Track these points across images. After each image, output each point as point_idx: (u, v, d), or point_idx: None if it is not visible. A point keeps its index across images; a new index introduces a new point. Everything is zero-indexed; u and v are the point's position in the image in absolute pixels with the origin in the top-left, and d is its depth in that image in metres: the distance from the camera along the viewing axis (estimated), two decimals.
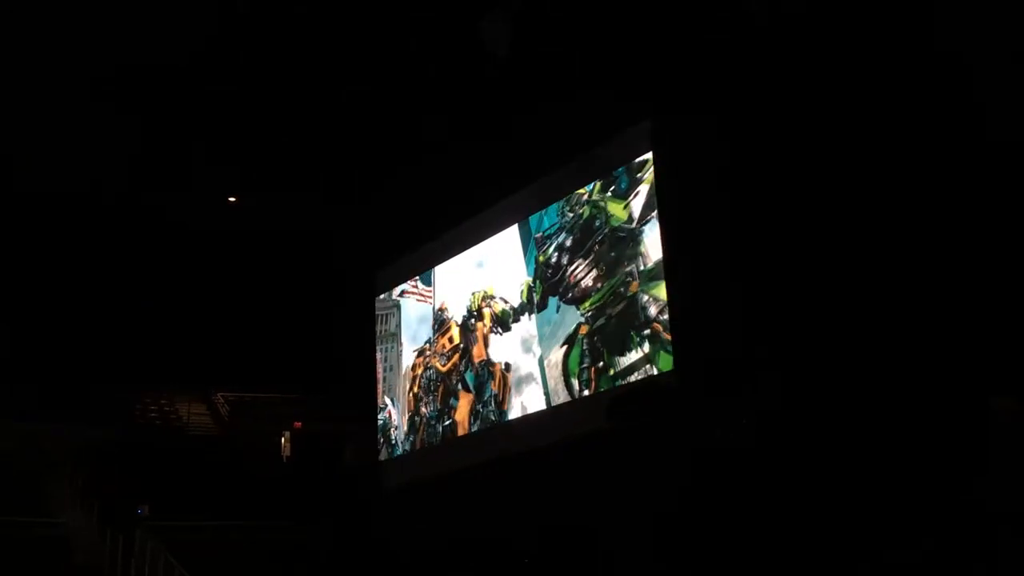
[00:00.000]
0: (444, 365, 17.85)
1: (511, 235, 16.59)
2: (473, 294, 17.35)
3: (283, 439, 22.06)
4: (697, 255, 13.05)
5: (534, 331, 15.84)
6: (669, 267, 13.45)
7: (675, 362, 13.16)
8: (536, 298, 15.85)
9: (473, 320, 17.32)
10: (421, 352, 18.70)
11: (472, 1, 12.93)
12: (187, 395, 24.33)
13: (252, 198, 20.99)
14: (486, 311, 16.96)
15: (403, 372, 19.19)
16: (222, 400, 24.46)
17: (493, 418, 16.36)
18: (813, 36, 11.73)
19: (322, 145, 18.54)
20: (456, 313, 17.79)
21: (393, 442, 19.07)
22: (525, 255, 16.34)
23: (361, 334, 20.29)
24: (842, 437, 10.79)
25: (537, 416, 15.49)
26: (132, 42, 15.55)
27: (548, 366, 15.43)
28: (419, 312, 19.00)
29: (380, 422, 19.46)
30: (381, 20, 14.58)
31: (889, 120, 11.05)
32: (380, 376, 19.82)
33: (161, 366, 22.84)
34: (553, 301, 15.48)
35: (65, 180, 19.97)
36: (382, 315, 20.16)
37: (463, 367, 17.34)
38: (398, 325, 19.61)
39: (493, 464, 15.72)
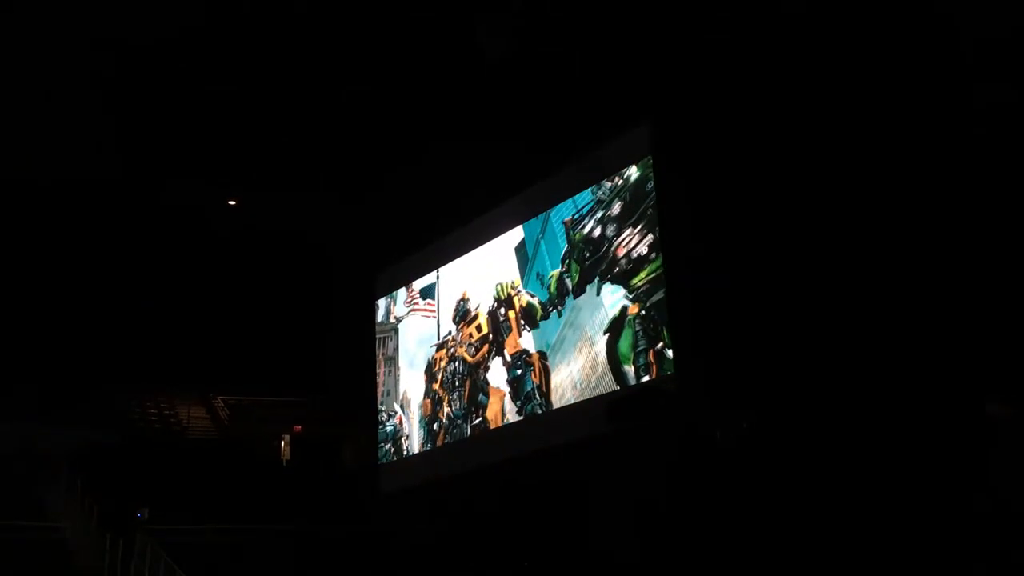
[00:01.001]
0: (473, 356, 16.95)
1: (511, 242, 16.45)
2: (499, 284, 16.61)
3: (283, 442, 21.99)
4: (697, 258, 13.02)
5: (532, 349, 15.57)
6: (668, 270, 13.40)
7: (675, 365, 13.12)
8: (571, 284, 15.03)
9: (503, 309, 16.46)
10: (443, 345, 17.92)
11: (472, 2, 12.90)
12: (187, 398, 24.28)
13: (252, 200, 20.96)
14: (516, 299, 16.16)
15: (402, 393, 18.91)
16: (222, 403, 24.40)
17: (540, 411, 15.33)
18: (813, 36, 11.71)
19: (321, 148, 18.53)
20: (481, 301, 16.98)
21: (405, 452, 18.63)
22: (523, 273, 16.12)
23: (360, 337, 20.24)
24: (841, 440, 10.76)
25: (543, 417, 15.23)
26: (132, 42, 15.54)
27: (553, 385, 15.05)
28: (417, 335, 18.68)
29: (390, 428, 19.12)
30: (380, 20, 14.56)
31: (889, 121, 11.03)
32: (380, 398, 19.59)
33: (161, 369, 22.78)
34: (591, 288, 14.60)
35: (63, 181, 19.94)
36: (381, 339, 19.87)
37: (491, 360, 16.53)
38: (396, 349, 19.37)
39: (493, 467, 15.68)
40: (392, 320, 19.63)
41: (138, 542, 15.95)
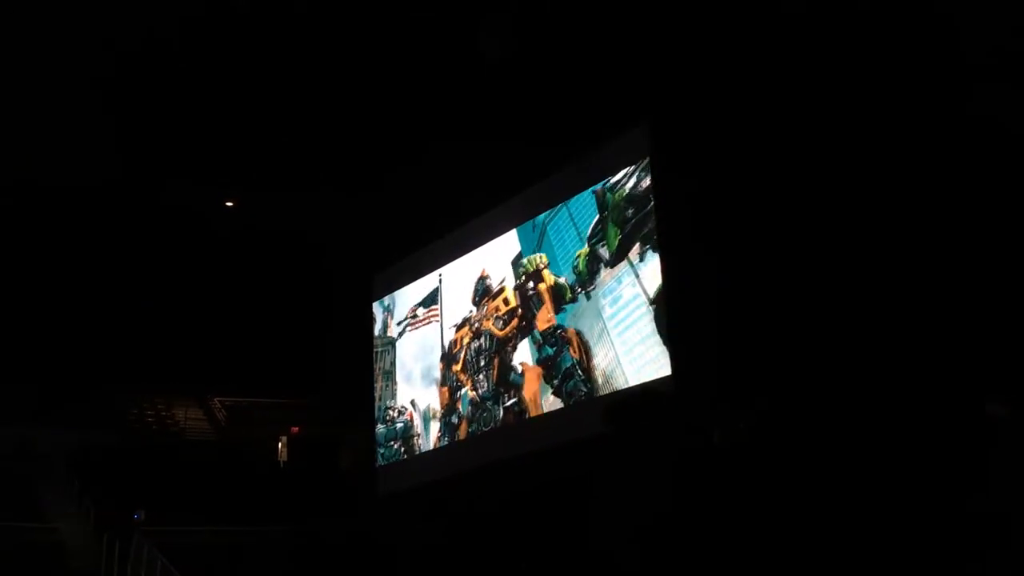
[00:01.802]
0: (502, 329, 15.72)
1: (508, 247, 16.26)
2: (528, 259, 15.62)
3: (280, 444, 21.97)
4: (697, 258, 13.00)
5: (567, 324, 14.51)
6: (667, 272, 13.36)
7: (673, 367, 13.08)
8: (608, 253, 14.13)
9: (532, 282, 15.43)
10: (464, 323, 16.72)
11: (472, 2, 12.91)
12: (184, 400, 24.29)
13: (250, 200, 20.94)
14: (544, 273, 15.19)
15: (403, 382, 18.58)
16: (219, 405, 24.41)
17: (584, 389, 14.26)
18: (811, 37, 11.71)
19: (320, 148, 18.51)
20: (506, 275, 15.93)
21: (417, 450, 17.93)
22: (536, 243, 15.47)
23: (358, 339, 20.20)
24: (841, 440, 10.74)
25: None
26: (131, 43, 15.52)
27: (595, 363, 13.98)
28: (416, 347, 18.32)
29: (400, 425, 18.54)
30: (380, 21, 14.57)
31: (888, 120, 11.02)
32: (376, 415, 19.26)
33: (158, 370, 22.78)
34: (633, 255, 13.65)
35: (62, 182, 19.92)
36: (377, 352, 19.57)
37: (520, 340, 15.39)
38: (392, 363, 19.08)
39: (489, 469, 15.63)
40: (389, 335, 19.37)
41: (135, 543, 15.90)
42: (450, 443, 16.94)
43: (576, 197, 15.06)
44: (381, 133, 17.45)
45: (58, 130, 17.99)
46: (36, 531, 17.09)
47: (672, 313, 13.15)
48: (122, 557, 15.82)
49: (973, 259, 10.24)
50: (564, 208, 15.25)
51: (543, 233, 15.58)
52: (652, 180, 13.85)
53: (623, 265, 13.89)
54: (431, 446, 17.65)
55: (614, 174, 14.49)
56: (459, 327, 16.99)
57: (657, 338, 13.23)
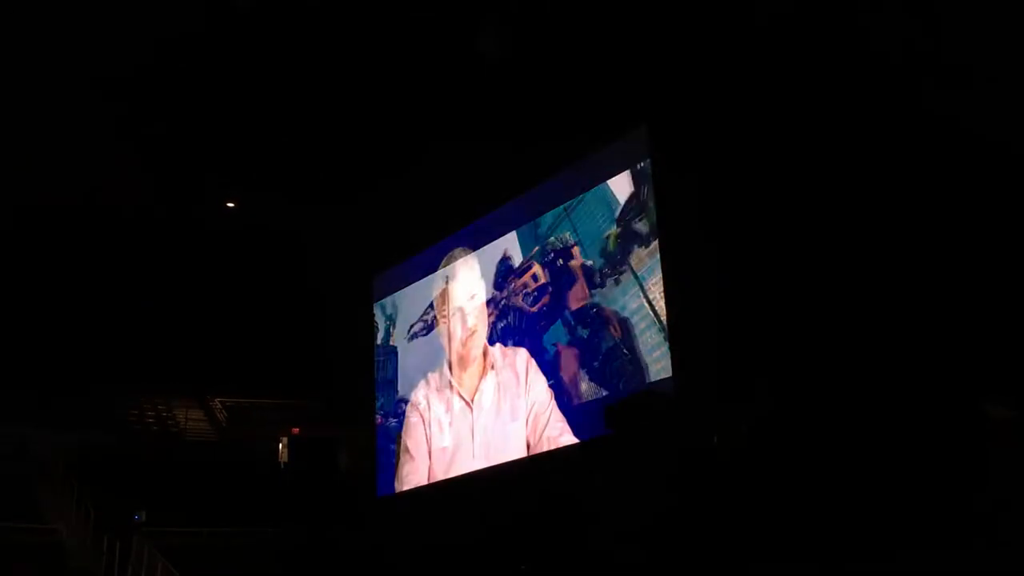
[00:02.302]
0: (533, 306, 14.67)
1: (511, 240, 16.22)
2: (555, 237, 14.78)
3: (280, 445, 21.95)
4: (697, 259, 13.01)
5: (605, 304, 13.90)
6: (668, 275, 13.35)
7: (673, 370, 13.08)
8: (647, 228, 13.41)
9: (562, 260, 14.53)
10: (488, 304, 15.68)
11: (472, 4, 12.92)
12: (184, 400, 24.27)
13: (251, 201, 20.93)
14: (575, 250, 14.37)
15: (406, 388, 18.47)
16: (219, 406, 24.38)
17: (631, 368, 13.46)
18: (810, 38, 11.72)
19: (320, 149, 18.51)
20: (531, 255, 15.06)
21: (425, 448, 17.45)
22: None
23: (359, 340, 20.20)
24: (841, 442, 10.75)
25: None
26: (131, 45, 15.52)
27: (640, 347, 13.40)
28: (419, 357, 18.16)
29: (414, 420, 18.13)
30: (381, 22, 14.58)
31: (886, 122, 11.03)
32: (378, 423, 19.12)
33: (158, 371, 22.76)
34: (637, 268, 13.34)
35: (59, 184, 19.89)
36: (379, 362, 19.45)
37: (551, 322, 14.48)
38: (395, 371, 19.05)
39: (490, 469, 15.63)
40: (392, 343, 19.23)
41: (135, 544, 15.90)
42: (461, 440, 16.57)
43: (575, 202, 14.98)
44: (381, 134, 17.44)
45: (56, 132, 17.97)
46: (36, 532, 17.07)
47: (672, 313, 13.15)
48: (122, 558, 15.80)
49: (973, 259, 10.25)
50: (566, 218, 15.09)
51: (543, 242, 15.52)
52: (652, 181, 13.85)
53: (628, 277, 13.83)
54: (443, 444, 17.25)
55: (613, 175, 14.47)
56: (479, 313, 16.33)
57: (662, 349, 13.13)
